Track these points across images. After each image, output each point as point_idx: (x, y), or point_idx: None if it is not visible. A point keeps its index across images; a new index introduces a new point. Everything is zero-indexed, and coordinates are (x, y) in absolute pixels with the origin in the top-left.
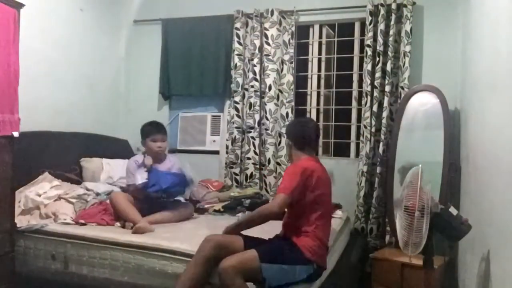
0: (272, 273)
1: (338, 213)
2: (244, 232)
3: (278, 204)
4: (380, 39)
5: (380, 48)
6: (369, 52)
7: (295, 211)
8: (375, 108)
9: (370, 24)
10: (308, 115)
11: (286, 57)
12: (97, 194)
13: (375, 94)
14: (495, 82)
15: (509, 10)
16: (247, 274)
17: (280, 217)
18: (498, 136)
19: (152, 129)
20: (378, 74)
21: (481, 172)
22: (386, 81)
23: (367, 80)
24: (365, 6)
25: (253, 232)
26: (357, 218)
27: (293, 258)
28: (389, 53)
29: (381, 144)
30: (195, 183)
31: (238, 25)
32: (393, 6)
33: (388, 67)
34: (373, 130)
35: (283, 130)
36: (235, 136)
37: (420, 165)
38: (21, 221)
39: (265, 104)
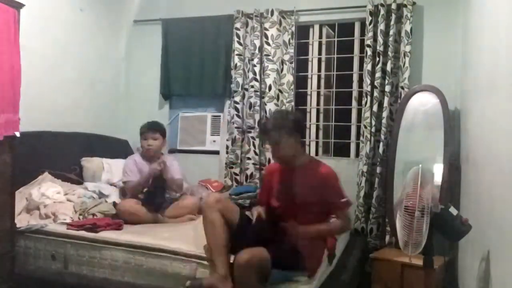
0: (276, 278)
1: None
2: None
3: (349, 220)
4: (380, 39)
5: (380, 48)
6: (369, 52)
7: (311, 217)
8: (375, 108)
9: (370, 24)
10: (308, 115)
11: (286, 57)
12: (100, 195)
13: (375, 94)
14: (495, 82)
15: (509, 10)
16: (258, 271)
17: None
18: (498, 136)
19: (143, 127)
20: (378, 74)
21: (481, 172)
22: (386, 81)
23: (367, 80)
24: (365, 6)
25: None
26: (357, 218)
27: (298, 265)
28: (389, 53)
29: (381, 144)
30: (180, 184)
31: (238, 25)
32: (393, 6)
33: (388, 67)
34: (373, 130)
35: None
36: (235, 136)
37: (420, 165)
38: (21, 221)
39: (265, 104)
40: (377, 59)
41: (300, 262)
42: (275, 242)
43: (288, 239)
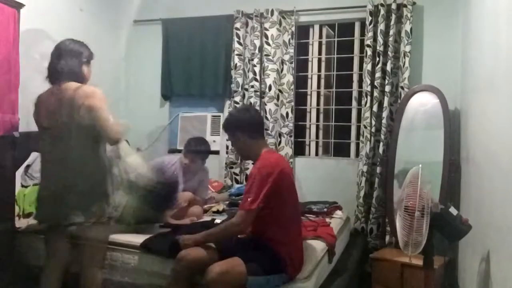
0: (255, 285)
1: (338, 213)
2: None
3: (244, 222)
4: (380, 39)
5: (380, 48)
6: (369, 52)
7: (269, 214)
8: (375, 108)
9: (370, 24)
10: (308, 115)
11: (286, 57)
12: None
13: (375, 94)
14: (495, 82)
15: (509, 10)
16: (232, 283)
17: None
18: (498, 136)
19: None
20: (378, 74)
21: (481, 172)
22: (386, 81)
23: (367, 80)
24: (365, 6)
25: None
26: (357, 218)
27: (276, 268)
28: (389, 53)
29: (381, 144)
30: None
31: (238, 25)
32: (393, 6)
33: (388, 67)
34: (373, 130)
35: (283, 130)
36: None
37: (420, 165)
38: (21, 222)
39: (265, 104)
40: (377, 59)
41: (278, 265)
42: (249, 248)
43: (262, 244)
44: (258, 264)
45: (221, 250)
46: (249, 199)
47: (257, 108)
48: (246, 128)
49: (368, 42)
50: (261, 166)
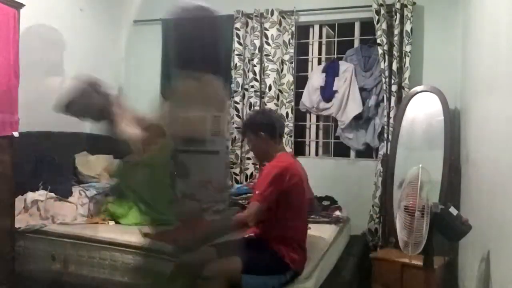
0: (251, 284)
1: (338, 213)
2: None
3: (253, 215)
4: (383, 39)
5: (385, 47)
6: (380, 51)
7: (273, 215)
8: (379, 108)
9: (377, 23)
10: (308, 115)
11: (286, 57)
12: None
13: (382, 94)
14: (495, 82)
15: (509, 10)
16: (228, 279)
17: None
18: (498, 136)
19: None
20: (386, 73)
21: (481, 172)
22: (393, 81)
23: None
24: (365, 6)
25: None
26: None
27: (275, 269)
28: (395, 52)
29: (382, 144)
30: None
31: (238, 25)
32: (397, 5)
33: (394, 66)
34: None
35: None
36: (235, 136)
37: (420, 165)
38: (21, 222)
39: (265, 104)
40: (381, 59)
41: (278, 267)
42: (250, 248)
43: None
44: (255, 264)
45: (220, 250)
46: (257, 192)
47: (257, 108)
48: (268, 129)
49: (378, 41)
50: (275, 165)
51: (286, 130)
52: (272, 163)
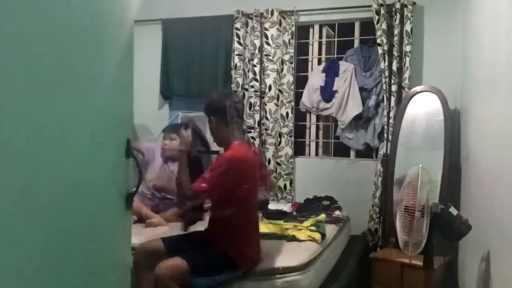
0: (202, 285)
1: (338, 213)
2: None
3: (195, 192)
4: (383, 39)
5: (385, 47)
6: (380, 51)
7: (223, 207)
8: (380, 108)
9: (377, 23)
10: (308, 115)
11: (286, 57)
12: None
13: (382, 94)
14: (495, 82)
15: (509, 10)
16: (180, 282)
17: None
18: (498, 136)
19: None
20: (386, 73)
21: (481, 172)
22: (393, 81)
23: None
24: (365, 6)
25: None
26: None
27: (225, 268)
28: (395, 52)
29: (382, 144)
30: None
31: (238, 25)
32: (397, 5)
33: (394, 66)
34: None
35: (283, 130)
36: None
37: (420, 165)
38: None
39: (265, 104)
40: (381, 59)
41: (226, 264)
42: (196, 247)
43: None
44: (202, 263)
45: (168, 245)
46: (207, 177)
47: (258, 108)
48: (223, 112)
49: (378, 41)
50: (228, 157)
51: (286, 130)
52: (227, 154)
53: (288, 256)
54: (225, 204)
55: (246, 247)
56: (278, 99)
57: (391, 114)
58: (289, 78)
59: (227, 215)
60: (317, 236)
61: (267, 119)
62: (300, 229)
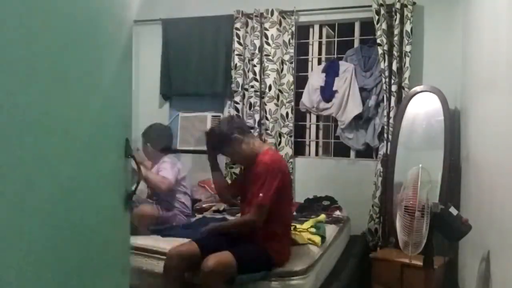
0: (242, 280)
1: (338, 213)
2: None
3: (259, 217)
4: (383, 39)
5: (385, 47)
6: (380, 51)
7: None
8: (380, 108)
9: (377, 23)
10: (308, 115)
11: (286, 57)
12: None
13: (382, 94)
14: (495, 82)
15: (509, 10)
16: (226, 277)
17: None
18: (498, 136)
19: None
20: (384, 74)
21: (481, 172)
22: (393, 81)
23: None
24: (365, 6)
25: None
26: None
27: (264, 265)
28: (395, 52)
29: (382, 144)
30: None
31: (238, 25)
32: (397, 5)
33: (394, 66)
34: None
35: (283, 130)
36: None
37: (420, 165)
38: None
39: (265, 104)
40: (381, 59)
41: (266, 263)
42: (237, 245)
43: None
44: (247, 260)
45: (201, 247)
46: (261, 195)
47: (258, 108)
48: (240, 129)
49: (378, 41)
50: (269, 162)
51: (286, 130)
52: (265, 161)
53: (289, 260)
54: (272, 204)
55: (284, 245)
56: (278, 99)
57: (391, 114)
58: (289, 78)
59: (271, 216)
60: (317, 239)
61: (267, 119)
62: (300, 232)
